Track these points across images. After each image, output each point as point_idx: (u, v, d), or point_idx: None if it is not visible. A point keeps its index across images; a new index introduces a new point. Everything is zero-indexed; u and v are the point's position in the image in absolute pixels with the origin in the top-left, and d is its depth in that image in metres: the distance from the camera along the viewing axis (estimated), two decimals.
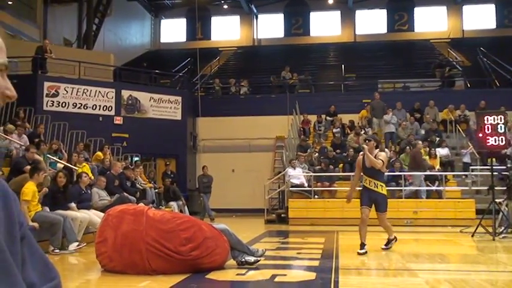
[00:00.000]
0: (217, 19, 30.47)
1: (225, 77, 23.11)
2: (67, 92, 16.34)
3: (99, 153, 13.88)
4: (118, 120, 17.31)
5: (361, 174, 8.37)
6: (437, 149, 16.06)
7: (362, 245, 8.08)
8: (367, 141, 8.32)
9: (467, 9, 28.83)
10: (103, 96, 17.16)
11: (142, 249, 6.08)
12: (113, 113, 17.33)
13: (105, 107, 17.19)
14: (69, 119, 15.37)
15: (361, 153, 8.37)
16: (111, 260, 6.34)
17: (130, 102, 17.89)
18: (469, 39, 26.99)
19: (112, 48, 23.04)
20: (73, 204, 9.19)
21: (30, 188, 8.29)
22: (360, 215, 8.16)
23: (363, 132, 17.82)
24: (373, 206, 8.11)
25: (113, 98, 17.38)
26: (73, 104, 16.48)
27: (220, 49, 28.76)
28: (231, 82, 22.00)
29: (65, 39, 22.32)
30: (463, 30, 28.57)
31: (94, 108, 16.92)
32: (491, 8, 28.62)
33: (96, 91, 16.99)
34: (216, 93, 21.82)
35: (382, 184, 8.06)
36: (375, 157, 8.10)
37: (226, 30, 30.21)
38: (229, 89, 22.05)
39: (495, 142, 10.87)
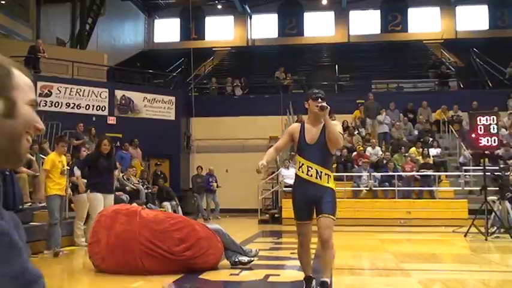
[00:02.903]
0: (211, 19, 30.43)
1: (219, 77, 23.10)
2: (60, 91, 16.28)
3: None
4: (111, 120, 17.26)
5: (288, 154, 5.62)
6: (429, 149, 16.14)
7: (308, 281, 5.07)
8: (319, 99, 4.74)
9: (460, 10, 28.93)
10: (96, 96, 17.10)
11: (135, 250, 6.07)
12: (106, 113, 17.29)
13: (98, 107, 17.14)
14: (62, 119, 15.28)
15: (296, 123, 5.30)
16: (104, 260, 6.32)
17: (123, 102, 17.84)
18: (462, 40, 27.09)
19: (105, 48, 22.96)
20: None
21: (49, 158, 8.36)
22: (297, 236, 5.06)
23: (356, 132, 17.88)
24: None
25: (106, 98, 17.33)
26: (66, 104, 16.41)
27: (214, 49, 28.73)
28: (227, 81, 21.99)
29: (58, 39, 22.22)
30: (456, 31, 28.68)
31: (87, 108, 16.86)
32: (484, 9, 28.74)
33: (89, 91, 16.94)
34: (211, 93, 21.82)
35: (329, 173, 4.77)
36: None
37: (220, 30, 30.17)
38: (224, 89, 22.06)
39: (488, 142, 10.93)
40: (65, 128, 14.90)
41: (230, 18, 30.23)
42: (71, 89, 16.54)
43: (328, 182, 4.74)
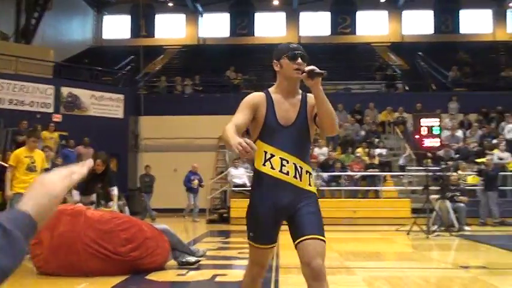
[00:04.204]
0: (162, 17, 30.13)
1: (169, 76, 22.91)
2: (3, 87, 15.78)
3: (45, 132, 13.69)
4: (57, 118, 16.84)
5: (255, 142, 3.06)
6: (375, 150, 16.55)
7: None
8: (300, 58, 3.14)
9: (406, 14, 29.73)
10: (41, 93, 16.66)
11: (79, 250, 5.95)
12: (51, 110, 16.87)
13: (43, 104, 16.70)
14: (4, 115, 14.86)
15: (256, 94, 3.26)
16: (46, 262, 6.17)
17: (70, 99, 17.46)
18: (408, 44, 27.85)
19: (52, 44, 22.34)
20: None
21: (13, 153, 7.92)
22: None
23: None
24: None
25: (51, 94, 16.92)
26: (9, 101, 15.93)
27: (164, 47, 28.45)
28: (175, 80, 21.87)
29: (2, 33, 21.48)
30: (402, 35, 29.46)
31: (31, 105, 16.39)
32: (429, 14, 29.64)
33: (34, 87, 16.48)
34: (161, 91, 21.62)
35: (310, 170, 3.21)
36: None
37: (170, 28, 29.91)
38: (173, 88, 21.90)
39: (430, 143, 11.30)
40: (7, 125, 14.47)
41: (181, 17, 30.02)
42: (15, 85, 16.06)
43: (310, 184, 3.16)
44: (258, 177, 3.13)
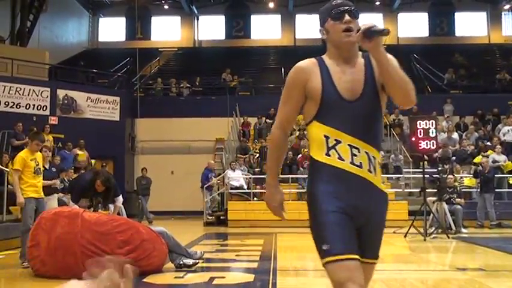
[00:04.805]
0: (158, 19, 30.09)
1: (165, 78, 22.90)
2: None
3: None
4: (53, 120, 16.80)
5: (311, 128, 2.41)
6: None
7: None
8: (347, 15, 2.53)
9: (402, 17, 29.83)
10: (37, 95, 16.62)
11: (77, 252, 5.93)
12: (47, 112, 16.83)
13: (39, 107, 16.65)
14: (0, 118, 14.80)
15: (304, 61, 2.57)
16: (44, 264, 6.14)
17: (66, 102, 17.42)
18: (404, 46, 27.91)
19: (47, 46, 22.28)
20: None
21: (19, 156, 7.53)
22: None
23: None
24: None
25: (47, 97, 16.87)
26: (5, 103, 15.89)
27: (160, 50, 28.42)
28: (171, 83, 21.86)
29: None
30: (398, 37, 29.53)
31: (28, 107, 16.35)
32: (424, 17, 29.76)
33: (30, 90, 16.44)
34: (157, 94, 21.60)
35: (380, 161, 2.50)
36: None
37: (166, 31, 29.87)
38: (169, 90, 21.90)
39: (427, 146, 11.33)
40: (3, 127, 14.43)
41: (177, 19, 30.00)
42: (11, 87, 16.02)
43: (382, 183, 2.52)
44: (320, 171, 2.34)
